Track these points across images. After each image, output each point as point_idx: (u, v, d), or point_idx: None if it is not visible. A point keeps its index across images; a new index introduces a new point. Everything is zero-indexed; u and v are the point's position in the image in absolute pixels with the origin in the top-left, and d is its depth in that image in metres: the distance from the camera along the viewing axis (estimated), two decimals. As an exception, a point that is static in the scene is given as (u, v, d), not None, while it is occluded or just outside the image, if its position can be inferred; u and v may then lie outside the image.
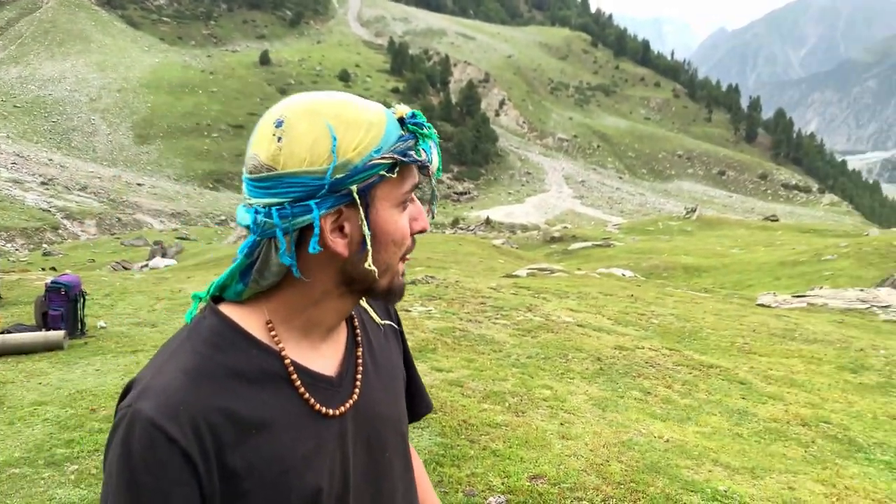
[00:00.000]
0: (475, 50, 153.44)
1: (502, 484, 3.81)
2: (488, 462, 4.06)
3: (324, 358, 1.02)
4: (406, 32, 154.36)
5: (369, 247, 0.94)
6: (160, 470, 0.87)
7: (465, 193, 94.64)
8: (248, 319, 0.97)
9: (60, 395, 5.11)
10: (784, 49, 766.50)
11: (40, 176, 61.81)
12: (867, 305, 12.76)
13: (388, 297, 1.01)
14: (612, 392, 5.60)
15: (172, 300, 8.82)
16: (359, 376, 1.05)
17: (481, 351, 6.56)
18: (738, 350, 7.60)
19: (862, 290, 14.54)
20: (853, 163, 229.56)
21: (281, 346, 0.97)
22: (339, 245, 0.93)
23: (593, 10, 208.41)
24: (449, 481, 3.81)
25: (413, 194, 0.99)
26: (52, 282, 7.18)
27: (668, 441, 4.60)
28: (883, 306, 12.61)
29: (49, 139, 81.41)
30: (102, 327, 7.32)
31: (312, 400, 0.98)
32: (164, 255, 25.51)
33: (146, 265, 21.69)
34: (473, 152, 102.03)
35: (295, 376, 0.97)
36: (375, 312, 1.16)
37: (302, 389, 0.97)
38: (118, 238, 40.09)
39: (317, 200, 0.90)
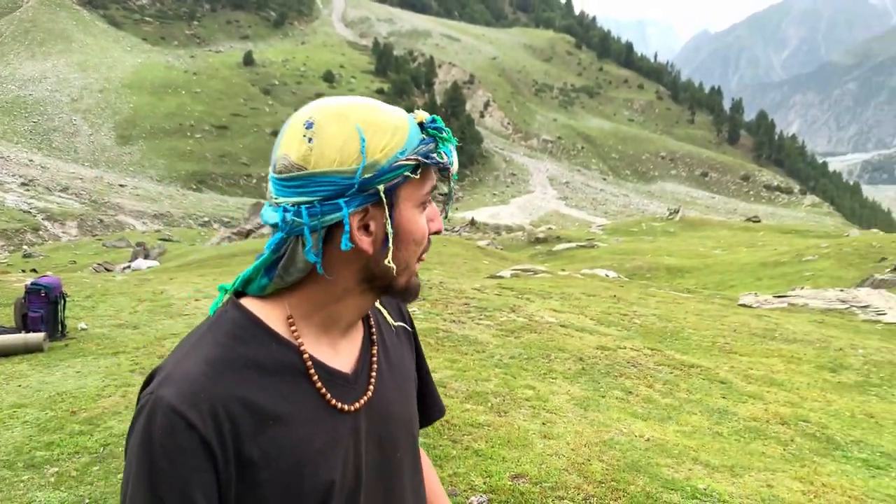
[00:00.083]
0: (460, 51, 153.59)
1: (484, 483, 3.82)
2: (470, 462, 4.08)
3: (340, 355, 1.05)
4: (391, 33, 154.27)
5: (391, 244, 0.97)
6: (179, 456, 0.89)
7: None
8: (270, 314, 1.00)
9: (40, 398, 5.07)
10: (766, 51, 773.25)
11: (20, 177, 61.22)
12: (847, 305, 12.90)
13: (405, 295, 1.05)
14: (593, 392, 5.64)
15: (154, 302, 8.77)
16: (373, 374, 1.08)
17: (464, 351, 6.57)
18: (718, 350, 7.66)
19: (842, 291, 14.70)
20: (834, 164, 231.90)
21: (300, 341, 1.00)
22: (365, 243, 0.96)
23: (577, 12, 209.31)
24: (431, 481, 3.82)
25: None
26: (32, 283, 7.12)
27: (648, 440, 4.64)
28: (862, 306, 12.76)
29: (29, 140, 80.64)
30: (83, 329, 7.26)
31: (329, 395, 1.01)
32: (146, 257, 25.33)
33: (128, 267, 21.53)
34: (458, 153, 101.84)
35: (313, 371, 1.00)
36: (389, 314, 1.19)
37: (319, 384, 1.00)
38: (100, 239, 39.76)
39: (346, 199, 0.94)
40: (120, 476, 3.82)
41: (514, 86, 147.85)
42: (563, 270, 18.08)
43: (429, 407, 1.28)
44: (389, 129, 0.96)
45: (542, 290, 10.94)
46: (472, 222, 63.64)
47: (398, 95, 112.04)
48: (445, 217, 1.10)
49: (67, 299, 7.37)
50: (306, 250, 0.94)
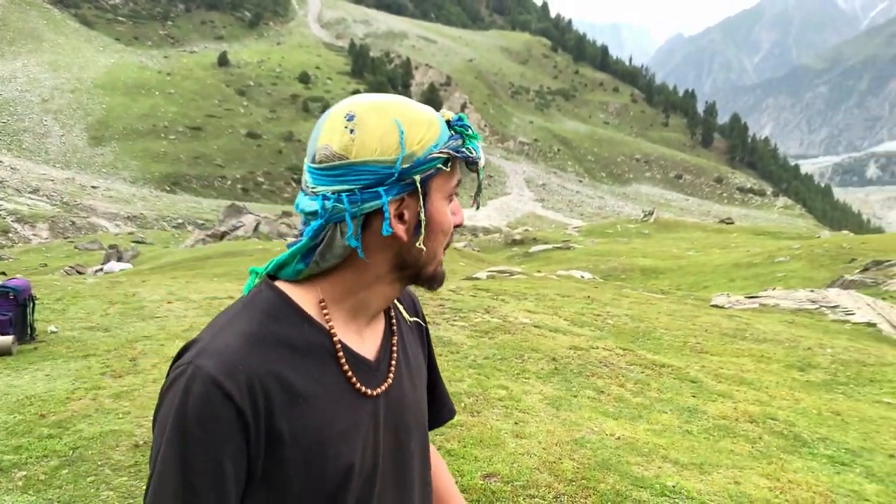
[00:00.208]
0: (436, 53, 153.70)
1: (456, 483, 3.84)
2: (442, 462, 4.09)
3: (365, 342, 1.10)
4: (367, 35, 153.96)
5: (423, 230, 1.03)
6: (214, 424, 0.92)
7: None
8: (303, 297, 1.04)
9: (8, 401, 5.01)
10: (739, 55, 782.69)
11: (-10, 178, 60.21)
12: (816, 306, 13.11)
13: (432, 282, 1.10)
14: (566, 391, 5.68)
15: (126, 304, 8.69)
16: (393, 363, 1.13)
17: (439, 352, 6.60)
18: (690, 349, 7.76)
19: (812, 291, 14.93)
20: (806, 167, 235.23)
21: (331, 324, 1.04)
22: (400, 230, 1.01)
23: (553, 14, 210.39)
24: (403, 481, 3.83)
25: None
26: (1, 286, 7.02)
27: (619, 438, 4.69)
28: (831, 306, 12.97)
29: (-1, 140, 79.34)
30: (53, 332, 7.18)
31: (354, 378, 1.05)
32: (119, 259, 25.03)
33: (101, 269, 21.28)
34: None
35: (341, 354, 1.04)
36: (405, 310, 1.24)
37: (346, 367, 1.05)
38: (72, 242, 39.20)
39: (385, 187, 0.99)
40: (90, 479, 3.80)
41: (491, 88, 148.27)
42: (538, 272, 18.17)
43: (440, 407, 1.33)
44: (424, 124, 1.02)
45: (518, 292, 11.00)
46: (449, 224, 63.40)
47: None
48: (477, 208, 1.20)
49: (37, 302, 7.28)
50: (348, 236, 0.99)
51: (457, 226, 1.09)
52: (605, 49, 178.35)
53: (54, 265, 25.82)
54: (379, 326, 1.14)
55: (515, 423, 4.85)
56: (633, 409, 5.42)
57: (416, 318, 1.26)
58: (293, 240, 1.06)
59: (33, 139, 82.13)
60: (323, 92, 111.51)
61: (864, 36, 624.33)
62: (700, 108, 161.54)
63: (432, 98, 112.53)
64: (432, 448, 1.30)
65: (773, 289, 16.43)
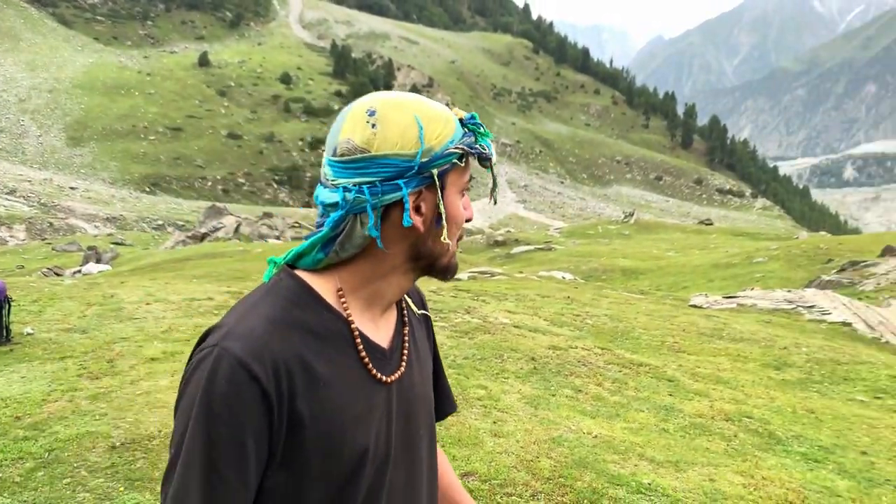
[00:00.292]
0: (418, 54, 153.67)
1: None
2: (421, 461, 4.11)
3: (379, 331, 1.14)
4: (349, 35, 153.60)
5: (444, 222, 1.08)
6: (239, 405, 0.95)
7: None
8: (322, 286, 1.08)
9: (-17, 404, 4.96)
10: (718, 58, 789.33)
11: (-34, 179, 59.42)
12: (793, 306, 13.27)
13: (445, 273, 1.14)
14: (544, 390, 5.72)
15: (104, 305, 8.63)
16: (405, 353, 1.17)
17: (418, 353, 6.60)
18: (667, 349, 7.83)
19: (789, 291, 15.11)
20: (784, 168, 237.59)
21: (348, 312, 1.08)
22: (418, 221, 1.05)
23: (534, 16, 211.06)
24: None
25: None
26: (-24, 287, 6.94)
27: (596, 437, 4.73)
28: (808, 306, 13.14)
29: (-25, 141, 78.30)
30: (29, 334, 7.12)
31: (371, 365, 1.09)
32: (98, 261, 24.81)
33: (79, 271, 21.08)
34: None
35: (359, 340, 1.08)
36: (413, 303, 1.28)
37: (363, 353, 1.08)
38: (49, 243, 38.76)
39: (404, 180, 1.03)
40: (66, 481, 3.78)
41: (473, 89, 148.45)
42: (520, 273, 18.24)
43: (443, 400, 1.35)
44: (441, 120, 1.06)
45: (498, 292, 11.04)
46: (431, 225, 63.49)
47: (357, 97, 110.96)
48: (494, 203, 1.23)
49: (13, 304, 7.21)
50: (369, 226, 1.03)
51: (467, 220, 1.13)
52: (586, 51, 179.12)
53: (31, 267, 25.52)
54: (392, 317, 1.18)
55: (494, 422, 4.88)
56: (611, 407, 5.47)
57: (423, 312, 1.30)
58: (310, 231, 1.10)
59: (10, 140, 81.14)
60: (304, 93, 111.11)
61: (841, 39, 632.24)
62: (680, 110, 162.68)
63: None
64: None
65: (751, 289, 16.60)
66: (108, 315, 8.08)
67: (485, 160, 1.10)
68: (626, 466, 4.30)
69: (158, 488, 3.71)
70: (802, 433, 5.41)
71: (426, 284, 11.80)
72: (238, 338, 0.98)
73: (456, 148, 1.06)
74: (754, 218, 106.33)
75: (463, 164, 1.09)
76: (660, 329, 8.80)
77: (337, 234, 1.05)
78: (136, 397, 4.94)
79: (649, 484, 4.06)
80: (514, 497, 3.77)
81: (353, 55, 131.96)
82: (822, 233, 45.59)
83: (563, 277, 17.48)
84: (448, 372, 6.07)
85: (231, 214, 37.88)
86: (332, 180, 1.05)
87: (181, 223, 56.95)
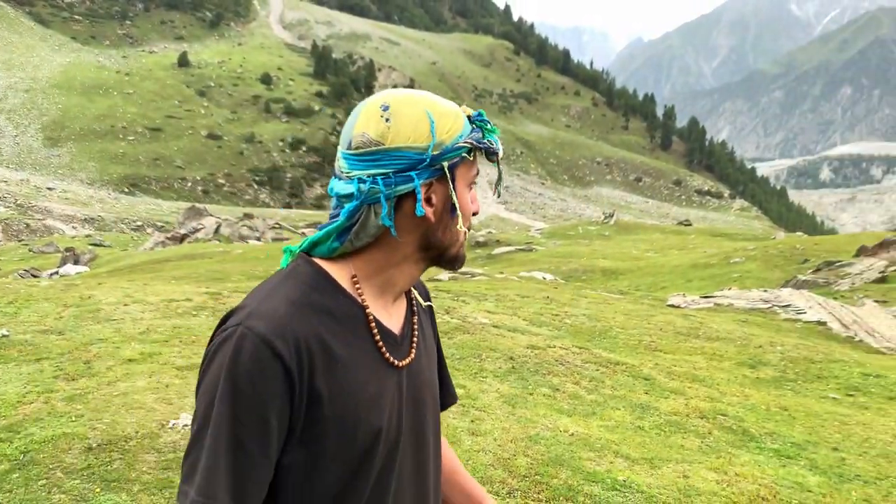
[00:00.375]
0: (400, 55, 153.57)
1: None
2: (398, 460, 4.13)
3: (391, 317, 1.19)
4: (329, 36, 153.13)
5: (458, 211, 1.14)
6: (262, 381, 1.00)
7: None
8: (337, 272, 1.14)
9: (-43, 406, 4.92)
10: (697, 60, 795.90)
11: (-60, 179, 58.56)
12: (769, 305, 13.43)
13: (454, 263, 1.20)
14: (522, 389, 5.77)
15: (81, 307, 8.55)
16: (415, 340, 1.22)
17: (397, 353, 6.62)
18: (644, 348, 7.91)
19: (765, 291, 15.29)
20: (762, 169, 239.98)
21: (363, 297, 1.14)
22: (429, 212, 1.11)
23: (516, 18, 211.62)
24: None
25: None
26: (-50, 289, 6.87)
27: (572, 435, 4.78)
28: (784, 306, 13.31)
29: (-50, 141, 77.21)
30: (5, 336, 7.04)
31: (385, 348, 1.14)
32: (76, 262, 24.58)
33: (56, 272, 20.87)
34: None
35: (374, 325, 1.14)
36: (419, 295, 1.33)
37: (378, 337, 1.14)
38: (26, 245, 38.31)
39: (417, 172, 1.09)
40: (41, 483, 3.76)
41: (454, 91, 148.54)
42: (501, 273, 18.30)
43: (444, 392, 1.40)
44: (451, 116, 1.13)
45: (478, 293, 11.08)
46: (412, 226, 63.54)
47: (337, 98, 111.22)
48: (498, 195, 1.35)
49: (-12, 305, 7.14)
50: (382, 216, 1.08)
51: (474, 213, 1.19)
52: (566, 53, 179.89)
53: (7, 269, 25.22)
54: (402, 305, 1.23)
55: (472, 420, 4.91)
56: (588, 405, 5.53)
57: (429, 303, 1.36)
58: (326, 222, 1.15)
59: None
60: (285, 93, 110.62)
61: (817, 42, 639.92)
62: (659, 111, 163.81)
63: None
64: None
65: (729, 289, 16.78)
66: (85, 316, 8.01)
67: (492, 154, 1.17)
68: (601, 464, 4.35)
69: (135, 489, 3.72)
70: (776, 430, 5.50)
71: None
72: (261, 317, 1.03)
73: (465, 142, 1.12)
74: (732, 219, 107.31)
75: (471, 159, 1.15)
76: (637, 328, 8.89)
77: (352, 223, 1.11)
78: (113, 398, 4.92)
79: (624, 481, 4.12)
80: (490, 494, 3.80)
81: (334, 56, 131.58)
82: (799, 233, 46.15)
83: (544, 278, 17.56)
84: (427, 372, 6.12)
85: (211, 215, 37.67)
86: (347, 172, 1.11)
87: (160, 224, 56.51)
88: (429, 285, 10.66)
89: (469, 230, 1.20)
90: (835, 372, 7.54)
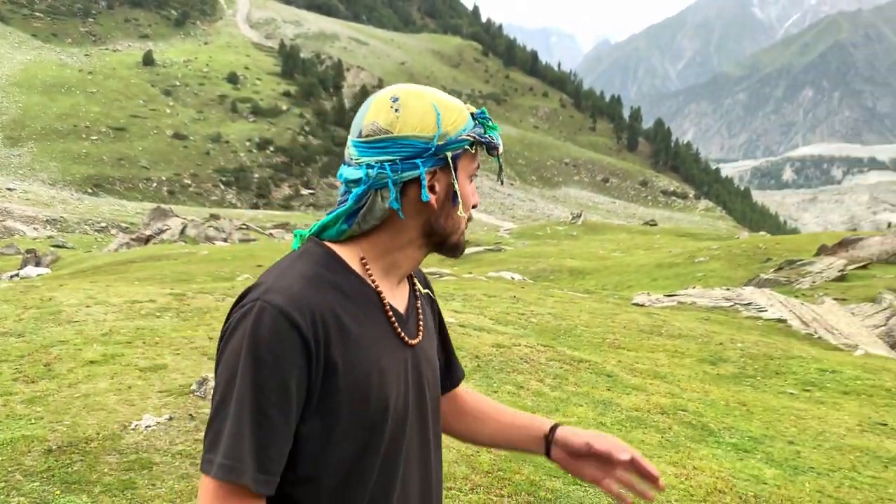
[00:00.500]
0: (368, 55, 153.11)
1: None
2: (362, 458, 4.15)
3: (396, 299, 1.26)
4: (297, 35, 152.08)
5: (461, 198, 1.22)
6: (282, 350, 1.06)
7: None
8: (347, 254, 1.21)
9: (-87, 410, 4.83)
10: (663, 62, 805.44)
11: None
12: (731, 303, 13.68)
13: (454, 251, 1.28)
14: (486, 387, 5.82)
15: (41, 308, 8.42)
16: (421, 321, 1.29)
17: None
18: (608, 345, 8.02)
19: (728, 290, 15.55)
20: (726, 170, 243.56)
21: (373, 277, 1.21)
22: (432, 198, 1.18)
23: (484, 19, 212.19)
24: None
25: None
26: None
27: (535, 431, 4.84)
28: (745, 304, 13.56)
29: None
30: (-38, 338, 6.92)
31: (397, 325, 1.22)
32: (37, 264, 24.10)
33: (17, 275, 20.46)
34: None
35: (386, 302, 1.21)
36: (419, 283, 1.39)
37: (391, 314, 1.21)
38: (-15, 246, 37.46)
39: (422, 159, 1.17)
40: (2, 484, 3.72)
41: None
42: (469, 273, 18.37)
43: (454, 370, 1.49)
44: (456, 110, 1.21)
45: (446, 293, 11.12)
46: (381, 227, 63.41)
47: (305, 98, 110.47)
48: (501, 183, 1.60)
49: (-55, 307, 7.01)
50: (390, 200, 1.16)
51: (473, 206, 1.26)
52: (534, 54, 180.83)
53: (-34, 271, 24.67)
54: (405, 289, 1.30)
55: (436, 419, 4.95)
56: (551, 402, 5.60)
57: (427, 291, 1.41)
58: (335, 206, 1.22)
59: (-58, 139, 78.18)
60: (252, 93, 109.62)
61: (780, 45, 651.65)
62: (626, 113, 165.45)
63: (364, 101, 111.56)
64: (466, 390, 1.50)
65: (693, 287, 17.02)
66: (45, 318, 7.89)
67: (493, 149, 1.25)
68: (563, 459, 4.41)
69: (96, 491, 3.69)
70: (734, 425, 5.62)
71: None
72: (278, 292, 1.09)
73: (468, 135, 1.20)
74: (697, 219, 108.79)
75: (473, 152, 1.23)
76: (601, 326, 9.01)
77: (359, 206, 1.18)
78: (74, 400, 4.87)
79: (585, 475, 4.18)
80: (453, 491, 3.85)
81: (302, 55, 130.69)
82: (762, 233, 46.94)
83: (512, 278, 17.66)
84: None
85: (177, 216, 37.21)
86: (357, 159, 1.18)
87: (125, 225, 55.61)
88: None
89: (470, 220, 1.27)
90: (793, 368, 7.71)
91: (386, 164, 1.15)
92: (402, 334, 1.22)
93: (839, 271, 18.55)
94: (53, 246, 34.84)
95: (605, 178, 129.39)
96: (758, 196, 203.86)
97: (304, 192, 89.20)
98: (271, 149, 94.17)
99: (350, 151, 1.20)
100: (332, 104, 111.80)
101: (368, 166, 1.16)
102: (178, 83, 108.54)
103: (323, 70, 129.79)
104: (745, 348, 8.44)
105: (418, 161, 1.16)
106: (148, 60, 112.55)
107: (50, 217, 58.69)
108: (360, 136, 1.19)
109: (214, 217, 44.59)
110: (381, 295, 1.20)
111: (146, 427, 4.40)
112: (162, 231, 33.16)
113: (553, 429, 1.44)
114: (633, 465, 1.36)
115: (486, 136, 1.23)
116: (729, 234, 43.99)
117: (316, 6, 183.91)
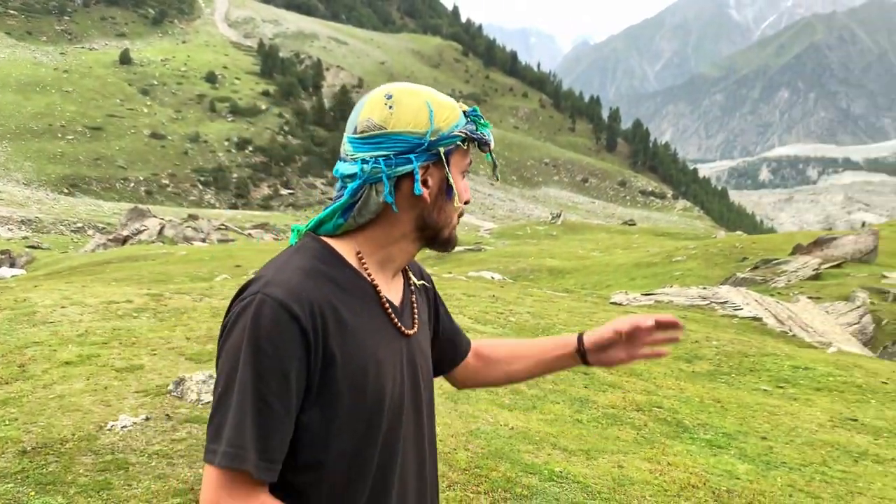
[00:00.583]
0: (348, 55, 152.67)
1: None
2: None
3: (391, 291, 1.29)
4: (276, 35, 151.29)
5: (456, 190, 1.24)
6: (282, 341, 1.08)
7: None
8: (343, 248, 1.24)
9: None
10: (641, 63, 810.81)
11: None
12: (708, 302, 13.82)
13: (446, 245, 1.30)
14: (464, 386, 5.85)
15: (15, 309, 8.33)
16: (416, 313, 1.33)
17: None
18: (586, 344, 8.07)
19: (704, 288, 15.70)
20: (703, 170, 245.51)
21: (368, 271, 1.24)
22: (425, 192, 1.22)
23: (464, 19, 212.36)
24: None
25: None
26: None
27: (512, 428, 4.89)
28: (721, 302, 13.71)
29: None
30: (-65, 340, 6.83)
31: (394, 317, 1.25)
32: (11, 265, 23.83)
33: (-10, 275, 20.18)
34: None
35: (382, 295, 1.24)
36: (412, 275, 1.42)
37: (387, 306, 1.25)
38: (-42, 247, 36.89)
39: (415, 154, 1.20)
40: (-27, 487, 3.69)
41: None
42: (449, 273, 18.40)
43: (459, 342, 1.53)
44: (448, 107, 1.24)
45: (424, 292, 11.15)
46: (361, 227, 63.25)
47: (285, 97, 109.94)
48: (497, 179, 1.83)
49: (-84, 308, 6.91)
50: (385, 193, 1.19)
51: (465, 202, 1.28)
52: (514, 55, 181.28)
53: (-62, 272, 24.29)
54: (400, 282, 1.33)
55: (414, 417, 4.97)
56: (528, 400, 5.64)
57: (423, 281, 1.44)
58: (331, 201, 1.25)
59: (-86, 138, 76.88)
60: (230, 92, 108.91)
61: (756, 47, 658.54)
62: (604, 113, 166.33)
63: (344, 100, 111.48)
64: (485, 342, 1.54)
65: (670, 286, 17.18)
66: (20, 319, 7.81)
67: (484, 145, 1.27)
68: (539, 456, 4.46)
69: (71, 492, 3.67)
70: (708, 421, 5.70)
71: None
72: (277, 285, 1.12)
73: (460, 132, 1.23)
74: (675, 218, 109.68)
75: (465, 148, 1.26)
76: (579, 325, 9.07)
77: (355, 201, 1.21)
78: (49, 401, 4.84)
79: (561, 472, 4.23)
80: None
81: (281, 55, 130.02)
82: (739, 232, 47.45)
83: (492, 277, 17.71)
84: (371, 370, 6.15)
85: (154, 216, 36.90)
86: (352, 154, 1.22)
87: (102, 226, 55.00)
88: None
89: (462, 215, 1.30)
90: (767, 365, 7.82)
91: (380, 159, 1.19)
92: (399, 324, 1.25)
93: (814, 270, 18.80)
94: (28, 247, 34.41)
95: (585, 178, 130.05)
96: (735, 196, 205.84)
97: (284, 192, 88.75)
98: (250, 148, 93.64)
99: (345, 147, 1.24)
100: (311, 104, 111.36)
101: (363, 161, 1.19)
102: (155, 82, 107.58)
103: (302, 69, 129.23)
104: (721, 346, 8.54)
105: (412, 156, 1.19)
106: (125, 59, 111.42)
107: (25, 217, 57.91)
108: (355, 132, 1.22)
109: (193, 217, 44.27)
110: (377, 288, 1.23)
111: (122, 427, 4.38)
112: (139, 231, 32.87)
113: (580, 342, 1.50)
114: (657, 327, 1.42)
115: (478, 132, 1.26)
116: (706, 234, 44.40)
117: (295, 5, 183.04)
